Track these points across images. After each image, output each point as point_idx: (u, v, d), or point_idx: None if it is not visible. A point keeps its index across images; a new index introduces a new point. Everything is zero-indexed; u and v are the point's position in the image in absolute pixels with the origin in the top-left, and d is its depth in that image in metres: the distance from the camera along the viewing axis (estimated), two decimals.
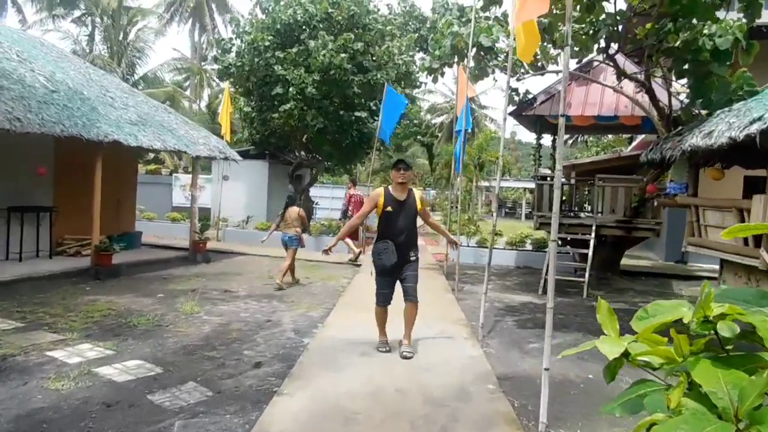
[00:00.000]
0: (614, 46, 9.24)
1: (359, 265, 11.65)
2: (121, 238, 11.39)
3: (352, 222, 6.16)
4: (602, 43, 9.15)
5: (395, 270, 5.36)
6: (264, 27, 15.15)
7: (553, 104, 10.78)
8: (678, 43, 7.81)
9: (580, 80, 10.81)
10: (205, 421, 3.70)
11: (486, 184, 32.17)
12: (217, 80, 29.50)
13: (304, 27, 14.88)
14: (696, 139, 6.11)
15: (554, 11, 8.48)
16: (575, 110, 10.51)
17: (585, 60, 10.74)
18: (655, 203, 9.80)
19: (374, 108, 15.20)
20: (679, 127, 8.03)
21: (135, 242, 12.22)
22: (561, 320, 7.08)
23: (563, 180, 10.74)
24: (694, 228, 7.32)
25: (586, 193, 12.26)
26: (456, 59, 10.40)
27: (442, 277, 10.63)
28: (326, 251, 5.67)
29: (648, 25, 8.27)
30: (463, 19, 10.95)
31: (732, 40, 7.12)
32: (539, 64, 10.52)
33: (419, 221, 5.67)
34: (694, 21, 7.68)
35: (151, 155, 22.87)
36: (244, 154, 15.58)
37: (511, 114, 11.13)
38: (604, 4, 8.48)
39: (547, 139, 12.99)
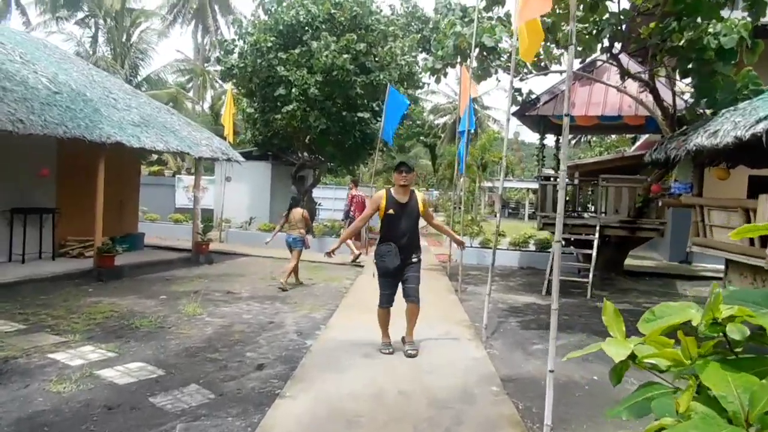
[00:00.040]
0: (618, 46, 9.20)
1: (362, 266, 11.63)
2: (124, 239, 11.40)
3: (354, 225, 6.21)
4: (606, 43, 9.11)
5: (398, 272, 5.38)
6: (267, 28, 15.16)
7: (556, 104, 10.74)
8: (682, 42, 7.77)
9: (584, 80, 10.76)
10: (207, 424, 3.68)
11: (489, 184, 32.17)
12: (220, 81, 29.56)
13: (306, 28, 14.88)
14: (701, 139, 6.07)
15: (557, 11, 8.45)
16: (579, 110, 10.46)
17: (588, 60, 10.70)
18: (660, 203, 9.75)
19: (377, 109, 15.18)
20: (684, 127, 7.98)
21: (138, 243, 12.23)
22: (565, 321, 7.04)
23: (567, 180, 10.69)
24: (699, 228, 7.27)
25: (590, 193, 12.21)
26: (459, 59, 10.38)
27: (445, 278, 10.59)
28: (329, 254, 5.71)
29: (652, 25, 8.22)
30: (466, 20, 10.94)
31: (737, 38, 7.08)
32: (542, 64, 10.48)
33: (423, 222, 5.65)
34: (699, 20, 7.63)
35: (154, 156, 22.91)
36: (247, 156, 15.57)
37: (514, 114, 11.09)
38: (608, 3, 8.44)
39: (550, 140, 12.93)
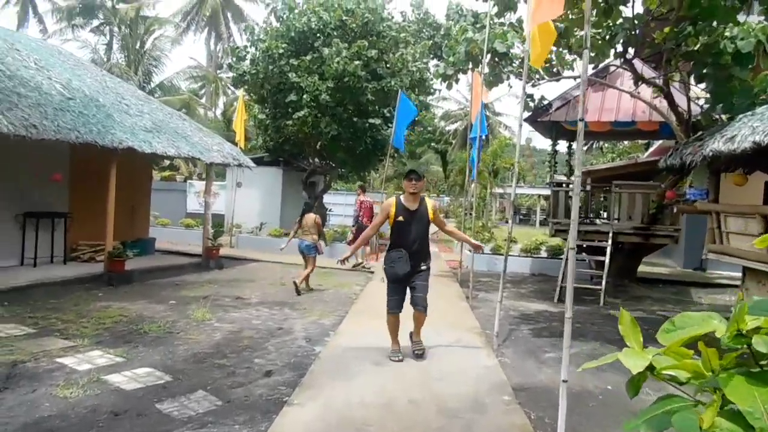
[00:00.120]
0: (631, 51, 9.10)
1: (371, 272, 11.58)
2: (135, 244, 11.44)
3: (366, 233, 6.21)
4: (619, 48, 9.02)
5: (407, 278, 5.37)
6: (278, 35, 15.23)
7: (568, 110, 10.65)
8: (698, 46, 7.67)
9: (596, 86, 10.67)
10: None
11: (500, 191, 32.05)
12: (232, 88, 29.74)
13: (318, 34, 14.93)
14: (718, 144, 5.96)
15: (570, 16, 8.39)
16: (591, 116, 10.37)
17: (601, 65, 10.61)
18: (674, 210, 9.61)
19: (388, 115, 15.18)
20: (699, 132, 7.87)
21: (149, 248, 12.27)
22: (578, 329, 6.93)
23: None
24: (715, 235, 7.15)
25: (602, 199, 12.08)
26: (470, 65, 10.33)
27: (455, 285, 10.51)
28: (342, 261, 5.76)
29: (666, 29, 8.12)
30: (478, 26, 10.90)
31: (754, 42, 6.98)
32: (555, 69, 10.41)
33: (434, 229, 5.61)
34: (715, 24, 7.53)
35: (166, 162, 23.07)
36: (258, 161, 15.62)
37: (526, 120, 11.02)
38: (622, 8, 8.36)
39: (562, 146, 12.83)
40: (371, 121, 15.28)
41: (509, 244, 6.83)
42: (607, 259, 9.52)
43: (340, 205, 24.45)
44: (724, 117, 8.04)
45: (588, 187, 12.14)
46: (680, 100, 9.16)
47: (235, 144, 14.12)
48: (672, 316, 1.42)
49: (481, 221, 19.83)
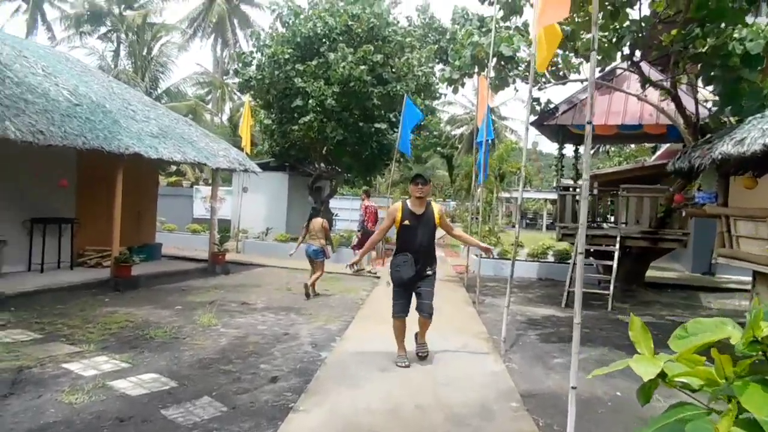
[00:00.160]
0: (638, 54, 9.05)
1: (378, 277, 11.55)
2: (142, 249, 11.46)
3: (373, 238, 6.20)
4: (626, 51, 8.97)
5: (412, 282, 5.35)
6: (284, 40, 15.27)
7: (575, 113, 10.60)
8: (706, 48, 7.61)
9: (603, 89, 10.61)
10: None
11: (506, 195, 31.94)
12: (238, 94, 29.85)
13: (323, 40, 14.96)
14: (727, 147, 5.90)
15: (576, 19, 8.35)
16: (598, 119, 10.31)
17: (608, 68, 10.55)
18: (683, 213, 9.53)
19: (394, 119, 15.17)
20: (707, 135, 7.80)
21: (155, 254, 12.29)
22: (586, 334, 6.85)
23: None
24: (724, 239, 7.07)
25: (609, 203, 12.00)
26: (476, 69, 10.30)
27: (462, 290, 10.45)
28: (352, 265, 5.87)
29: (674, 32, 8.07)
30: (484, 29, 10.87)
31: (763, 44, 6.91)
32: (561, 73, 10.37)
33: (440, 233, 5.59)
34: (723, 25, 7.47)
35: (173, 167, 23.16)
36: (264, 166, 15.64)
37: (532, 124, 10.97)
38: (629, 10, 8.31)
39: (568, 149, 12.77)
40: (377, 125, 15.28)
41: (516, 248, 6.79)
42: (615, 264, 9.45)
43: (347, 209, 24.44)
44: (732, 119, 7.96)
45: (595, 191, 12.08)
46: (688, 103, 9.09)
47: (241, 149, 14.14)
48: (682, 322, 1.39)
49: (487, 225, 19.75)
